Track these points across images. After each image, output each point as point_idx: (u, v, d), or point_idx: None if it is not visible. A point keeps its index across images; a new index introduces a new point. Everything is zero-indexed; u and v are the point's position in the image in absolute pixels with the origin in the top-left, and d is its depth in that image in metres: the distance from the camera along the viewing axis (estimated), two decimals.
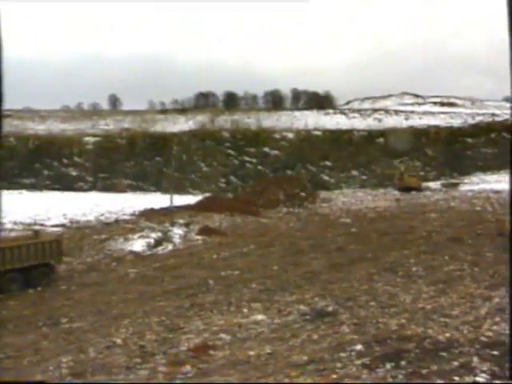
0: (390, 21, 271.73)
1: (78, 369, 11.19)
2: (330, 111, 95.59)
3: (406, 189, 60.13)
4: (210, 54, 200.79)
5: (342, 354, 9.12)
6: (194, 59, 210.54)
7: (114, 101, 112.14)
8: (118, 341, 13.58)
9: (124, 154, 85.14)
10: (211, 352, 11.02)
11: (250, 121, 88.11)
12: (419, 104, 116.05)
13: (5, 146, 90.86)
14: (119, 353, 12.27)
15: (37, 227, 41.16)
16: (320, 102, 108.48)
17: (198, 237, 36.81)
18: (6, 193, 79.87)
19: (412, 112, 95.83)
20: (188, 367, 10.09)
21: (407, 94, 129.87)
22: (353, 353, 9.14)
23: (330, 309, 14.10)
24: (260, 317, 14.19)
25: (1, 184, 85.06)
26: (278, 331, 12.25)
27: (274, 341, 11.30)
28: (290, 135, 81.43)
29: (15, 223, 49.74)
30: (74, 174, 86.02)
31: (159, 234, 36.67)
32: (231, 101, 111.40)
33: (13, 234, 37.68)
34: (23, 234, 33.07)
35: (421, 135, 79.63)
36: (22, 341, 16.29)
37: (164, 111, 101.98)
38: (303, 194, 55.56)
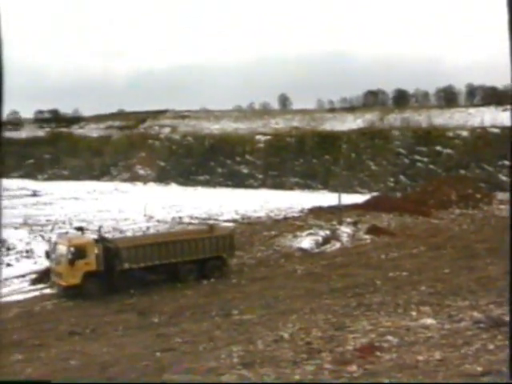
0: None
1: (247, 359, 11.60)
2: (509, 107, 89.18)
3: None
4: (381, 50, 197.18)
5: None
6: (364, 56, 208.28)
7: (284, 100, 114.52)
8: (285, 335, 13.86)
9: (293, 153, 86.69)
10: (378, 353, 10.85)
11: (421, 118, 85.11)
12: None
13: (183, 144, 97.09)
14: (286, 347, 12.52)
15: (211, 222, 43.42)
16: (498, 97, 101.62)
17: (366, 236, 36.43)
18: (182, 189, 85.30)
19: None
20: (354, 367, 10.03)
21: None
22: None
23: (508, 318, 13.19)
24: (429, 321, 13.69)
25: (178, 180, 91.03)
26: (448, 337, 11.73)
27: (444, 347, 10.83)
28: (464, 133, 77.38)
29: (191, 218, 52.94)
30: (245, 171, 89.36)
31: (327, 232, 36.84)
32: (401, 98, 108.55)
33: (190, 228, 40.11)
34: (199, 228, 35.07)
35: None
36: (198, 328, 17.31)
37: (332, 110, 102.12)
38: (478, 195, 52.61)
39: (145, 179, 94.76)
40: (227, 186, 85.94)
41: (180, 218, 53.37)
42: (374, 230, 37.27)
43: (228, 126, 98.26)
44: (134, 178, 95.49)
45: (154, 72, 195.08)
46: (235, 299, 22.47)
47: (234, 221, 49.51)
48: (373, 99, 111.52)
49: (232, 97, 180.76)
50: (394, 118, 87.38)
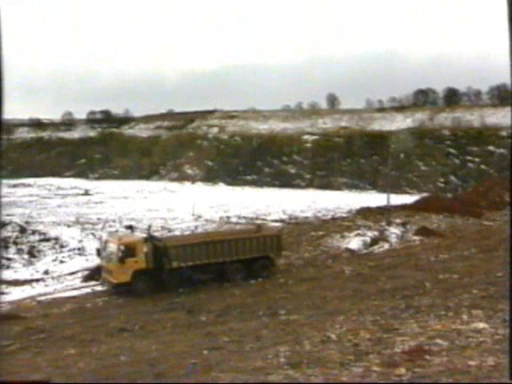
0: None
1: (294, 359, 11.58)
2: None
3: None
4: (431, 48, 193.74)
5: None
6: (414, 55, 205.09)
7: (333, 100, 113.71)
8: (333, 336, 13.78)
9: (341, 153, 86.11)
10: (427, 357, 10.67)
11: (473, 118, 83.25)
12: None
13: (231, 144, 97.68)
14: (333, 348, 12.45)
15: (258, 222, 43.53)
16: None
17: (416, 237, 35.86)
18: (230, 189, 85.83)
19: None
20: (403, 370, 9.89)
21: None
22: None
23: None
24: (481, 325, 13.37)
25: (226, 180, 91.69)
26: (502, 343, 11.43)
27: (497, 353, 10.57)
28: None
29: (239, 217, 53.21)
30: (292, 171, 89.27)
31: (375, 233, 36.44)
32: (452, 97, 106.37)
33: (237, 228, 40.33)
34: (247, 228, 35.20)
35: None
36: (245, 327, 17.38)
37: (382, 109, 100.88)
38: None
39: (193, 179, 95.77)
40: (274, 185, 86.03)
41: (228, 217, 53.72)
42: (423, 231, 36.63)
43: (276, 125, 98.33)
44: (183, 177, 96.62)
45: (204, 73, 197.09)
46: (282, 299, 22.46)
47: (281, 221, 49.52)
48: (423, 98, 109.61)
49: (280, 97, 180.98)
50: (445, 118, 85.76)
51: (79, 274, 33.01)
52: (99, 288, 27.57)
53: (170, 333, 18.51)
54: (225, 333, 16.69)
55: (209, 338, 16.38)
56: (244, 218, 52.69)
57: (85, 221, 52.46)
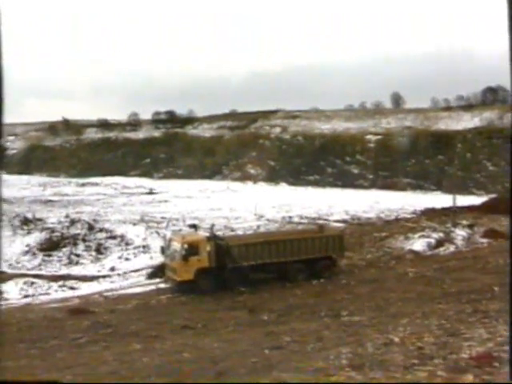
0: None
1: (356, 362, 11.47)
2: None
3: None
4: (501, 45, 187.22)
5: None
6: (482, 52, 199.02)
7: (397, 99, 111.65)
8: (396, 339, 13.56)
9: (405, 153, 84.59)
10: (496, 364, 10.35)
11: None
12: None
13: (293, 144, 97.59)
14: (396, 351, 12.25)
15: (320, 222, 43.33)
16: None
17: (483, 240, 34.84)
18: (292, 188, 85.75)
19: None
20: (470, 376, 9.63)
21: None
22: None
23: None
24: None
25: (288, 180, 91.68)
26: None
27: None
28: None
29: (301, 217, 53.10)
30: (355, 171, 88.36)
31: (441, 235, 35.64)
32: None
33: (300, 228, 40.27)
34: (309, 228, 35.11)
35: None
36: (306, 328, 17.35)
37: (448, 108, 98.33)
38: None
39: (255, 178, 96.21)
40: (337, 186, 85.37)
41: (290, 217, 53.69)
42: (491, 234, 35.53)
43: (339, 125, 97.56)
44: (245, 177, 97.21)
45: (268, 73, 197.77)
46: (344, 300, 22.29)
47: (343, 221, 49.11)
48: (492, 96, 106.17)
49: (344, 96, 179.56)
50: None
51: (144, 272, 33.75)
52: (163, 285, 28.10)
53: (231, 331, 18.68)
54: (286, 333, 16.70)
55: (270, 338, 16.43)
56: (306, 218, 52.53)
57: (149, 219, 53.54)
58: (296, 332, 16.69)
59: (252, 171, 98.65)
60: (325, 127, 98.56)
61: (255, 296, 24.79)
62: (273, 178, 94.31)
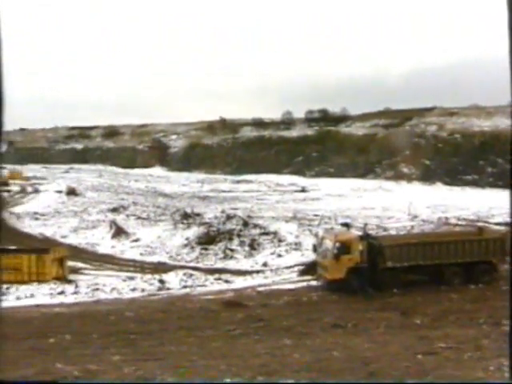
0: None
1: None
2: None
3: None
4: None
5: None
6: None
7: None
8: None
9: None
10: None
11: None
12: None
13: (450, 142, 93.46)
14: None
15: (480, 224, 41.07)
16: None
17: None
18: (448, 188, 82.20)
19: None
20: None
21: None
22: None
23: None
24: None
25: (444, 179, 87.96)
26: None
27: None
28: None
29: (458, 219, 50.75)
30: None
31: None
32: None
33: (456, 229, 38.52)
34: (467, 230, 33.46)
35: None
36: (463, 334, 16.57)
37: None
38: None
39: (409, 178, 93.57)
40: (497, 186, 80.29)
41: (446, 218, 51.54)
42: None
43: (501, 122, 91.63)
44: (398, 176, 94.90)
45: (425, 70, 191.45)
46: (505, 308, 20.93)
47: (506, 224, 46.08)
48: None
49: (506, 91, 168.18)
50: None
51: (295, 268, 34.17)
52: (314, 283, 28.27)
53: (383, 333, 18.35)
54: (440, 338, 16.08)
55: (423, 342, 15.91)
56: (464, 219, 50.10)
57: (301, 217, 54.19)
58: (451, 338, 16.01)
59: (406, 170, 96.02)
60: (485, 124, 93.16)
61: (407, 298, 24.12)
62: (428, 177, 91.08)
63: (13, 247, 39.28)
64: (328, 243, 26.68)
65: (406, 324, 19.59)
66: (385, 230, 44.51)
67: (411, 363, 12.93)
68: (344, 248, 25.82)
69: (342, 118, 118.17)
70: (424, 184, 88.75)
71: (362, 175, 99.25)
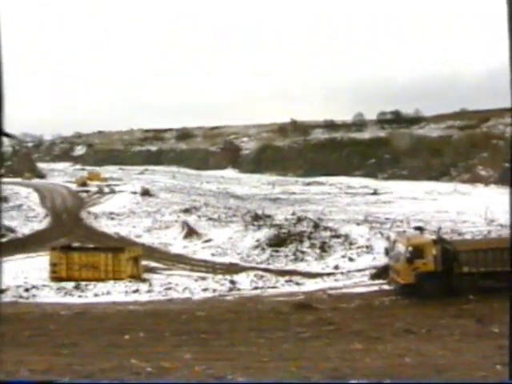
0: None
1: None
2: None
3: None
4: None
5: None
6: None
7: None
8: None
9: None
10: None
11: None
12: None
13: None
14: None
15: None
16: None
17: None
18: None
19: None
20: None
21: None
22: None
23: None
24: None
25: None
26: None
27: None
28: None
29: None
30: None
31: None
32: None
33: None
34: None
35: None
36: None
37: None
38: None
39: (486, 181, 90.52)
40: None
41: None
42: None
43: None
44: (475, 179, 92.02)
45: (503, 69, 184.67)
46: None
47: None
48: None
49: None
50: None
51: (367, 272, 33.75)
52: (386, 287, 27.82)
53: (457, 340, 17.83)
54: None
55: (502, 352, 15.31)
56: None
57: (373, 220, 53.45)
58: None
59: (483, 173, 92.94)
60: None
61: (484, 305, 23.30)
62: (507, 180, 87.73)
63: (91, 246, 40.81)
64: (400, 247, 26.21)
65: (483, 332, 18.93)
66: (459, 234, 43.28)
67: (489, 373, 12.48)
68: (417, 252, 25.30)
69: (416, 120, 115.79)
70: (502, 187, 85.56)
71: (436, 178, 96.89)
